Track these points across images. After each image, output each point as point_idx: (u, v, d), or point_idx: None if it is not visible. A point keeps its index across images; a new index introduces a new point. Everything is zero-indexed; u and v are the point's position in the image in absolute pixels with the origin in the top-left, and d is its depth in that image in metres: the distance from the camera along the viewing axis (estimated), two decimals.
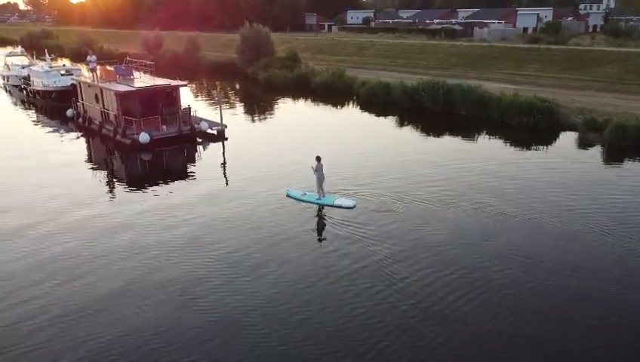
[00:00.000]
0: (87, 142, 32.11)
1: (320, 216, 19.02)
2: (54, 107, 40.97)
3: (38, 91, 43.79)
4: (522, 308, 13.07)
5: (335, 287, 14.12)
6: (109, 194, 22.38)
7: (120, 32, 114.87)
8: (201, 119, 32.00)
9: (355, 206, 19.43)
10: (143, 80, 33.46)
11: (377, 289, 13.92)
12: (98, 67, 33.80)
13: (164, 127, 30.28)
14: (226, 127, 31.61)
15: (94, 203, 20.95)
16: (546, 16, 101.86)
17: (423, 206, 19.54)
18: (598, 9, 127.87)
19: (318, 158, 19.66)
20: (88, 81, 33.63)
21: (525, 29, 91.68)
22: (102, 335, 12.23)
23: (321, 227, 18.30)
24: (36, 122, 38.07)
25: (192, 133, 30.90)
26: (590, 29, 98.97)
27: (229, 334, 12.21)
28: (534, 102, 31.84)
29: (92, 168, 26.88)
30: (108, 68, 33.98)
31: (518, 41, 65.05)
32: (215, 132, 31.56)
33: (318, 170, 19.68)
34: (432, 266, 15.08)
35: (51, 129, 35.41)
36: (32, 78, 45.21)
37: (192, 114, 32.14)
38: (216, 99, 31.15)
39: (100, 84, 31.97)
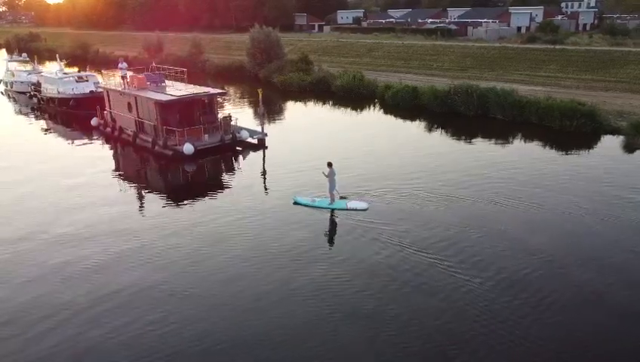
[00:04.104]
0: (121, 153, 30.77)
1: (334, 219, 19.29)
2: (72, 115, 39.38)
3: (52, 98, 41.94)
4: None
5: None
6: (160, 208, 21.59)
7: (112, 33, 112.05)
8: (241, 128, 31.02)
9: (367, 208, 19.70)
10: (176, 87, 32.25)
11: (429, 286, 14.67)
12: (128, 74, 32.53)
13: (206, 136, 29.26)
14: (266, 135, 30.71)
15: (150, 215, 20.61)
16: (536, 15, 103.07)
17: (474, 206, 20.16)
18: (579, 7, 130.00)
19: (330, 164, 20.01)
20: (119, 88, 32.25)
21: (519, 28, 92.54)
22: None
23: (341, 231, 18.56)
24: (58, 132, 36.36)
25: (234, 142, 29.95)
26: (581, 28, 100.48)
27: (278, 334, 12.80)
28: (576, 105, 31.80)
29: (136, 182, 25.57)
30: (139, 75, 32.63)
31: (515, 41, 65.54)
32: (256, 141, 30.67)
33: (330, 175, 19.94)
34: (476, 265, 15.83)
35: (79, 139, 33.86)
36: (43, 85, 43.30)
37: (232, 123, 31.17)
38: (260, 107, 30.15)
39: (134, 93, 30.71)
